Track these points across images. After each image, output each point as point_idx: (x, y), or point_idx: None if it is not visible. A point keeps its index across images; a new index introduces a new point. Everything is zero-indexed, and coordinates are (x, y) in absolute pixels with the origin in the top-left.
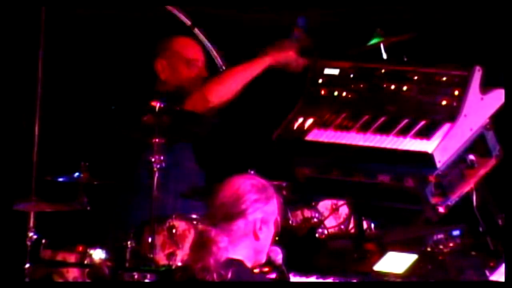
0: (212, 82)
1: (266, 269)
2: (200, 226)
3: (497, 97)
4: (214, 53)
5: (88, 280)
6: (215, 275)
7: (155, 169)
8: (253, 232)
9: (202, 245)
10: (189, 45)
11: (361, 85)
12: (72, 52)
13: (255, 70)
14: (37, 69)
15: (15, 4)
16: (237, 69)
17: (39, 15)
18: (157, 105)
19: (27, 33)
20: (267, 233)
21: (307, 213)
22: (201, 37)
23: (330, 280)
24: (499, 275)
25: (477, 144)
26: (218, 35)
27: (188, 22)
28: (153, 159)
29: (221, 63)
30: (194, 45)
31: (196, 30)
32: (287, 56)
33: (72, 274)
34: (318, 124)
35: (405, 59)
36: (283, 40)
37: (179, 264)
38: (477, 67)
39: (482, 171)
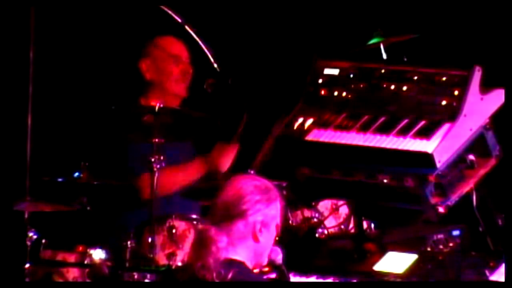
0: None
1: (266, 269)
2: (200, 225)
3: (497, 97)
4: (205, 50)
5: (88, 280)
6: (214, 274)
7: (155, 169)
8: (252, 234)
9: (201, 243)
10: (173, 42)
11: (361, 85)
12: (64, 50)
13: (194, 176)
14: (28, 69)
15: (4, 3)
16: (177, 174)
17: (29, 15)
18: (157, 105)
19: (17, 32)
20: (268, 236)
21: (307, 213)
22: (193, 34)
23: (330, 280)
24: (499, 275)
25: (477, 144)
26: (210, 33)
27: (180, 20)
28: (153, 159)
29: (212, 60)
30: (178, 42)
31: (188, 28)
32: (225, 164)
33: (72, 274)
34: (318, 124)
35: (405, 59)
36: (226, 145)
37: (179, 264)
38: (477, 67)
39: (482, 171)
